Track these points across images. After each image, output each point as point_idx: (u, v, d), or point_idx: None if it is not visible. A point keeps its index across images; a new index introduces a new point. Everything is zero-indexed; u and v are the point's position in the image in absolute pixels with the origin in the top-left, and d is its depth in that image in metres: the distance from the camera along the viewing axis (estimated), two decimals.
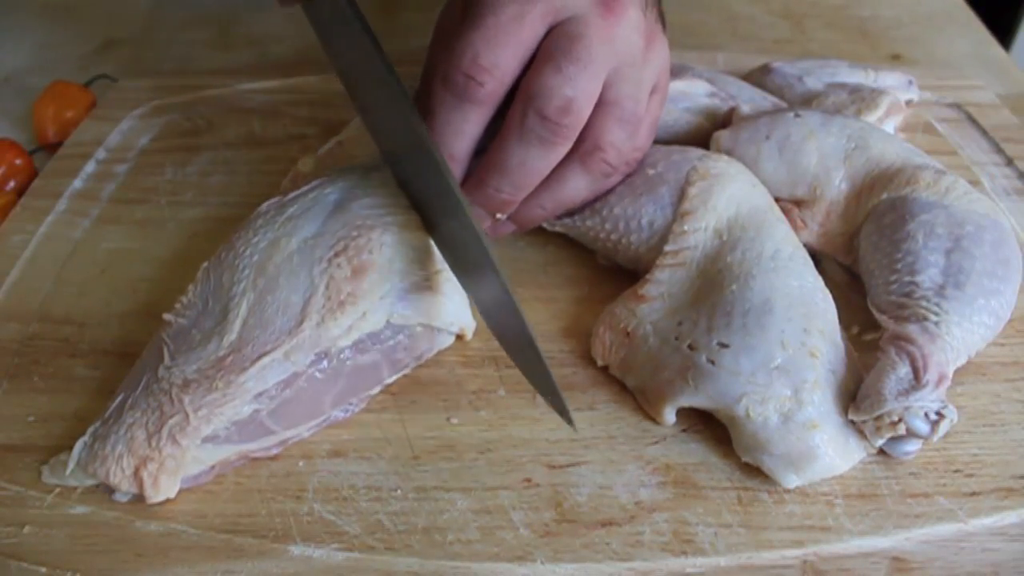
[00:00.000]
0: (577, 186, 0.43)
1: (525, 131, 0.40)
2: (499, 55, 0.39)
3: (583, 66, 0.39)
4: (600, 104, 0.41)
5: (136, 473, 0.35)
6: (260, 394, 0.37)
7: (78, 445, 0.37)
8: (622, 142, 0.42)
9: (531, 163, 0.41)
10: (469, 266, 0.39)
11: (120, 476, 0.35)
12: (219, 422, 0.36)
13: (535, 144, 0.40)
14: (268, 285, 0.39)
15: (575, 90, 0.39)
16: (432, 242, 0.41)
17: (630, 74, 0.42)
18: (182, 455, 0.36)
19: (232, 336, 0.38)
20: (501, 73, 0.39)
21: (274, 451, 0.39)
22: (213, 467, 0.37)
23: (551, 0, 0.39)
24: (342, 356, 0.39)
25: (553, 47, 0.39)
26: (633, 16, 0.41)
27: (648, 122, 0.44)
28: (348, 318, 0.38)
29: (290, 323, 0.38)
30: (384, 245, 0.40)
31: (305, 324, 0.38)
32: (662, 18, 0.46)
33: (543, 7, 0.39)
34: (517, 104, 0.40)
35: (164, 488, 0.36)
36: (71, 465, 0.36)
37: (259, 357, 0.37)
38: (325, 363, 0.38)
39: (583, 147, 0.42)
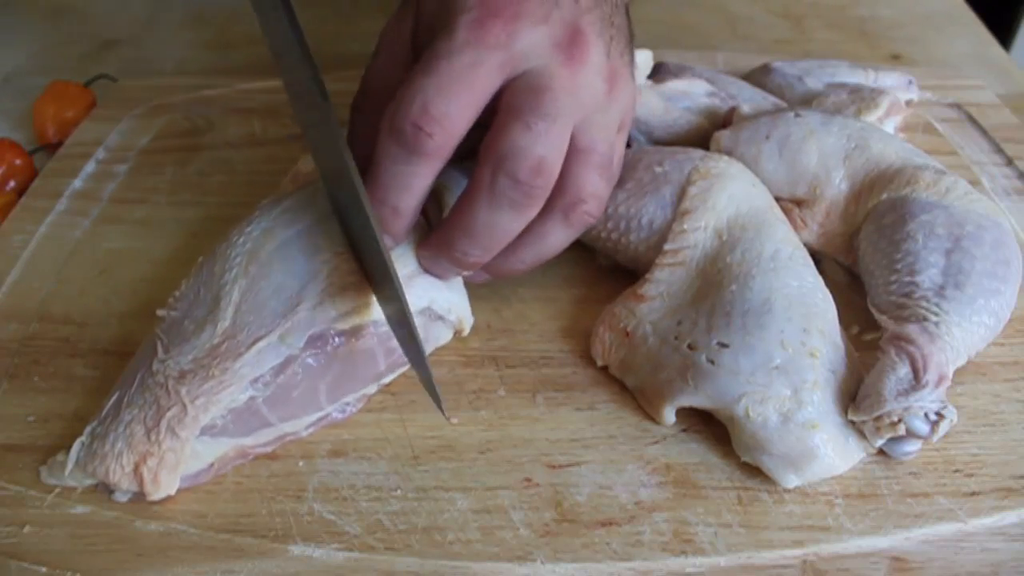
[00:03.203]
0: (558, 239, 0.41)
1: (496, 195, 0.37)
2: (451, 105, 0.36)
3: (552, 120, 0.36)
4: (574, 152, 0.38)
5: (136, 470, 0.35)
6: (256, 380, 0.37)
7: (76, 445, 0.37)
8: (602, 190, 0.40)
9: (501, 226, 0.38)
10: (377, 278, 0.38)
11: (120, 474, 0.35)
12: (216, 410, 0.36)
13: (506, 208, 0.37)
14: (261, 271, 0.39)
15: (546, 148, 0.36)
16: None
17: (598, 119, 0.39)
18: (181, 448, 0.36)
19: (225, 323, 0.38)
20: (451, 124, 0.36)
21: (271, 448, 0.39)
22: (212, 464, 0.37)
23: (510, 48, 0.36)
24: (336, 341, 0.38)
25: (518, 102, 0.36)
26: (596, 61, 0.38)
27: (617, 159, 0.42)
28: (350, 302, 0.38)
29: (284, 305, 0.38)
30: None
31: (301, 307, 0.38)
32: (630, 46, 0.43)
33: (501, 56, 0.36)
34: (485, 166, 0.37)
35: (164, 484, 0.36)
36: (69, 466, 0.36)
37: (254, 342, 0.37)
38: (319, 347, 0.38)
39: (563, 201, 0.39)
